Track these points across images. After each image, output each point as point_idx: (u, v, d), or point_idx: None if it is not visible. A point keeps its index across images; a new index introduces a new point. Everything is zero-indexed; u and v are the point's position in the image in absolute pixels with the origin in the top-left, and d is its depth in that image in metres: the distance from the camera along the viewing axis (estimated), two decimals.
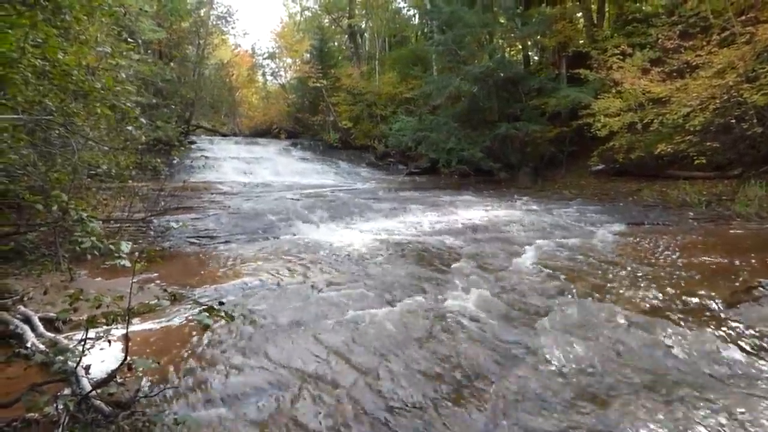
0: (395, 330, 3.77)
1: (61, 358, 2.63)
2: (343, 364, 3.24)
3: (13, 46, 3.83)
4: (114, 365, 2.63)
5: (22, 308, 3.79)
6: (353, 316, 4.04)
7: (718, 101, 9.70)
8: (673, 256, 5.82)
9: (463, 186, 16.13)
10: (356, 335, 3.68)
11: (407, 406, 2.73)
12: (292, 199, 11.66)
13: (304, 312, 4.23)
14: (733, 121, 10.03)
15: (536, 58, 22.54)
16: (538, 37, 18.57)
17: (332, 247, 6.92)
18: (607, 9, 18.69)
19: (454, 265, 5.76)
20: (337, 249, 6.79)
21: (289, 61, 33.92)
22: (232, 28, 33.70)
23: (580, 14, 19.33)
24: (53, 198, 3.70)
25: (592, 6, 18.83)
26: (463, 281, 5.10)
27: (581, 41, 17.73)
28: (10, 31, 3.76)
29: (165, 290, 4.62)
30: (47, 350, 2.95)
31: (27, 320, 3.65)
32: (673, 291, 4.49)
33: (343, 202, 11.15)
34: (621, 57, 12.92)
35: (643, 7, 16.26)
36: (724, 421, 2.52)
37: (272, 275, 5.48)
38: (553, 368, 3.15)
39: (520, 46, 21.91)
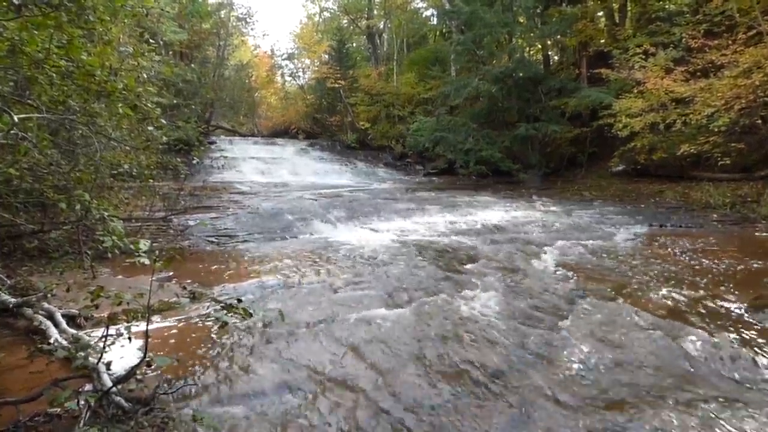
0: (413, 330, 3.76)
1: (83, 354, 2.67)
2: (361, 363, 3.23)
3: (39, 47, 3.90)
4: (134, 362, 2.66)
5: (45, 305, 3.85)
6: (371, 316, 4.03)
7: (743, 101, 9.49)
8: (696, 259, 5.70)
9: (480, 187, 16.02)
10: (374, 335, 3.67)
11: (425, 406, 2.70)
12: (310, 199, 11.70)
13: (322, 311, 4.23)
14: (759, 121, 9.82)
15: (556, 57, 22.33)
16: (559, 36, 18.37)
17: (350, 247, 6.91)
18: (629, 8, 18.38)
19: (472, 266, 5.72)
20: (355, 249, 6.79)
21: (308, 62, 34.17)
22: (252, 29, 34.17)
23: (601, 13, 19.08)
24: (76, 197, 3.76)
25: (614, 5, 18.57)
26: (481, 282, 5.05)
27: (602, 41, 17.50)
28: (36, 32, 3.83)
29: (184, 288, 4.70)
30: (69, 346, 2.99)
31: (50, 317, 3.71)
32: (696, 294, 4.40)
33: (361, 203, 11.15)
34: (643, 56, 12.71)
35: (667, 6, 15.96)
36: (747, 426, 2.45)
37: (290, 274, 5.50)
38: (573, 370, 3.10)
39: (540, 46, 21.70)
